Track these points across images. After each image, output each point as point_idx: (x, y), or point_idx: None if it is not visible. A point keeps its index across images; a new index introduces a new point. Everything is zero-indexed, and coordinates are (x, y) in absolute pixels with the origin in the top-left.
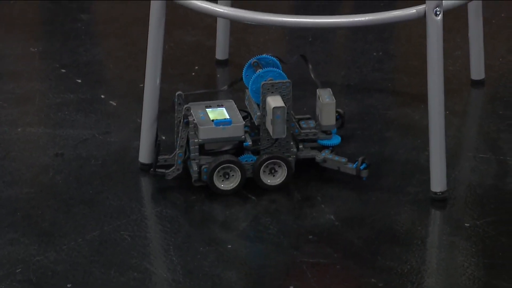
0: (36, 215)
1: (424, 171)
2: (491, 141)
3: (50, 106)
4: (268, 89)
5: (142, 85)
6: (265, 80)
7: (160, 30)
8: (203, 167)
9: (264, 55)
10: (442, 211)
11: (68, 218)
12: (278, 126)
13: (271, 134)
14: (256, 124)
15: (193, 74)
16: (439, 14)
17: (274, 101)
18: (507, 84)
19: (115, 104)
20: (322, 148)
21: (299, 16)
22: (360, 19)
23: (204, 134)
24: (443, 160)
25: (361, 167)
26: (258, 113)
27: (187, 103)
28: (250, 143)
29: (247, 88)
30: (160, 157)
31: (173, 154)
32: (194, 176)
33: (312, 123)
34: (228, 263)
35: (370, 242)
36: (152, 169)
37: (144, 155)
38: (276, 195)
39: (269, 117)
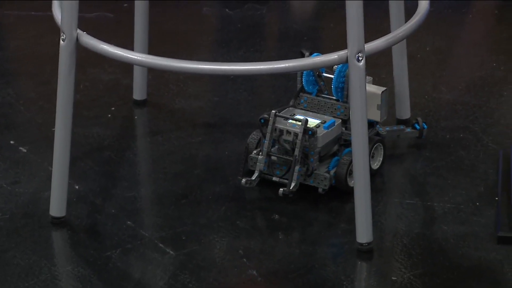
0: None
1: (350, 219)
2: (418, 186)
3: None
4: None
5: (54, 129)
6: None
7: (70, 75)
8: (331, 172)
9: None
10: (369, 263)
11: None
12: (384, 109)
13: (378, 119)
14: (346, 118)
15: (109, 116)
16: (362, 59)
17: (372, 87)
18: (432, 124)
19: (25, 150)
20: (370, 125)
21: (217, 63)
22: (280, 65)
23: (322, 140)
24: (369, 210)
25: (425, 127)
26: (345, 108)
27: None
28: None
29: (306, 93)
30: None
31: (255, 176)
32: (325, 185)
33: None
34: None
35: None
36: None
37: (55, 208)
38: (195, 249)
39: (374, 102)
